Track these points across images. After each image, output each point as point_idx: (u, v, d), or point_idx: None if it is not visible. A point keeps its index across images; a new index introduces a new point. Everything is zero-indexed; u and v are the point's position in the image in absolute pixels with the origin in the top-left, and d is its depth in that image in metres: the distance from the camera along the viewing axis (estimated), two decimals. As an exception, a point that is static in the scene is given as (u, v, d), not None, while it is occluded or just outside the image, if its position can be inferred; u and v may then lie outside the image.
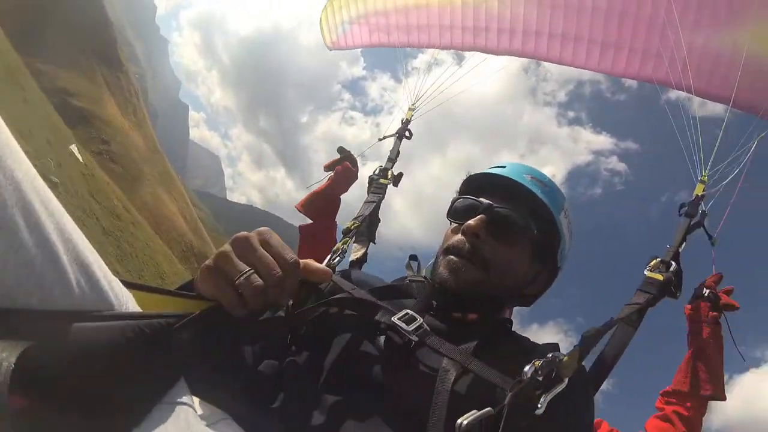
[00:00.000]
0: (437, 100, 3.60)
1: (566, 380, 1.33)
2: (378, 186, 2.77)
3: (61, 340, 0.82)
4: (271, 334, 1.47)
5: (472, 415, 1.19)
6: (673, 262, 2.14)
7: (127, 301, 1.00)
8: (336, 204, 2.93)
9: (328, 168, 2.94)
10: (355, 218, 2.41)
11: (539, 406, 1.26)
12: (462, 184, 1.97)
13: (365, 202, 2.61)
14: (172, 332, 1.02)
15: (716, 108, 3.55)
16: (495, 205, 1.75)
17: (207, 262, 1.22)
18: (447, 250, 1.77)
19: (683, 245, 2.34)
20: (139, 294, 1.10)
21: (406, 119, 3.43)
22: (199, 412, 1.06)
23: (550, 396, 1.28)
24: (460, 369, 1.38)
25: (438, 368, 1.39)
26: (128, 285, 1.07)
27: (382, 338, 1.50)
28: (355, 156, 3.02)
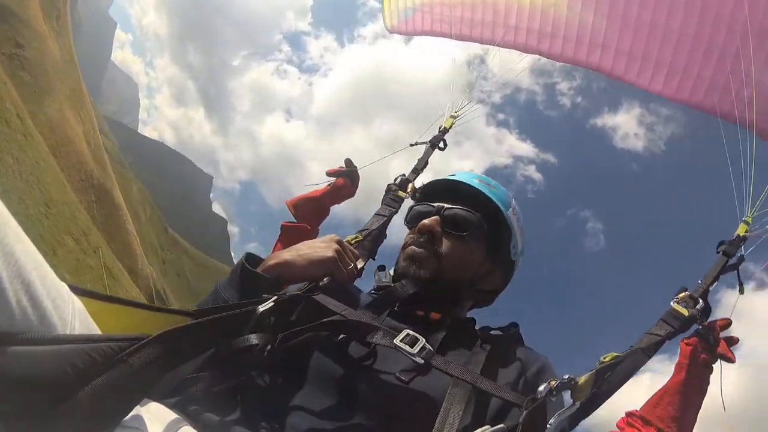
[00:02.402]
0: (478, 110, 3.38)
1: (578, 403, 1.40)
2: (394, 198, 2.56)
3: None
4: (252, 362, 1.43)
5: (485, 430, 1.25)
6: (701, 300, 2.11)
7: (73, 318, 0.96)
8: (325, 212, 2.85)
9: (330, 174, 2.82)
10: (360, 231, 2.31)
11: (549, 425, 1.31)
12: (417, 192, 2.25)
13: (376, 214, 2.48)
14: (123, 357, 0.96)
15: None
16: (447, 206, 1.94)
17: (327, 253, 1.73)
18: (404, 246, 1.96)
19: (715, 284, 2.26)
20: (92, 303, 1.09)
21: (445, 128, 3.14)
22: (156, 428, 1.06)
23: (562, 417, 1.35)
24: (470, 389, 1.40)
25: (445, 391, 1.40)
26: (80, 292, 1.05)
27: (383, 358, 1.54)
28: (359, 174, 2.88)
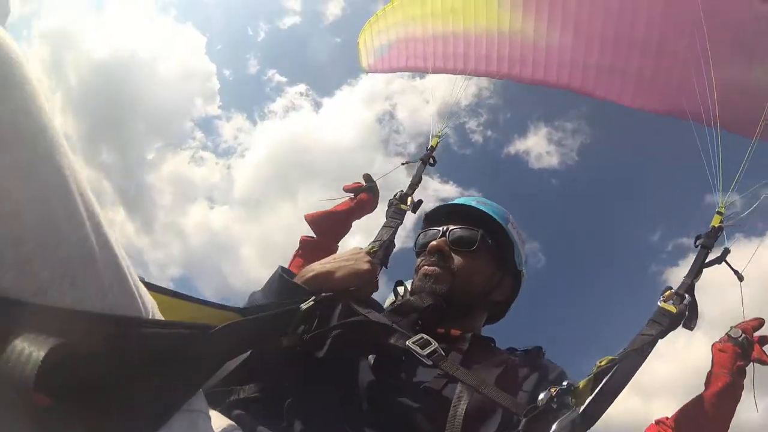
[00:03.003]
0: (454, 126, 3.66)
1: (579, 409, 1.44)
2: (397, 211, 2.77)
3: (89, 342, 0.80)
4: (288, 352, 1.51)
5: None
6: (687, 295, 2.14)
7: (153, 307, 1.00)
8: (346, 228, 2.92)
9: (348, 190, 2.92)
10: (374, 241, 2.48)
11: (552, 430, 1.34)
12: (423, 221, 2.33)
13: (384, 227, 2.65)
14: (195, 344, 1.03)
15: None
16: (451, 227, 2.10)
17: (363, 266, 1.85)
18: (418, 269, 2.08)
19: (698, 277, 2.29)
20: (160, 298, 1.14)
21: (432, 146, 3.45)
22: (214, 421, 1.09)
23: (563, 423, 1.36)
24: (474, 393, 1.45)
25: (452, 394, 1.47)
26: (150, 287, 1.08)
27: (397, 361, 1.63)
28: (378, 189, 3.00)
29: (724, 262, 2.39)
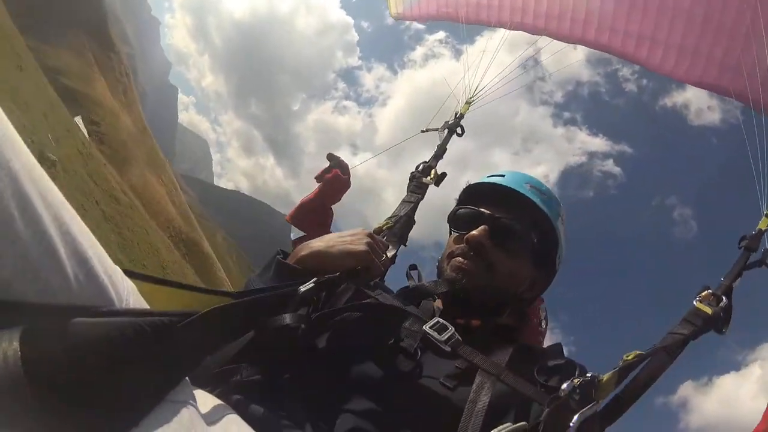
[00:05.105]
0: (495, 94, 3.41)
1: (601, 402, 1.35)
2: (418, 185, 2.58)
3: (57, 334, 0.79)
4: (286, 339, 1.41)
5: (506, 427, 1.23)
6: (725, 297, 1.98)
7: (128, 295, 0.98)
8: (328, 214, 2.74)
9: (318, 178, 2.73)
10: (389, 218, 2.31)
11: (572, 424, 1.25)
12: (462, 192, 2.04)
13: (403, 201, 2.47)
14: (174, 331, 0.97)
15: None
16: (497, 215, 1.82)
17: (360, 247, 1.68)
18: (452, 255, 1.84)
19: (738, 280, 2.15)
20: (142, 285, 1.12)
21: (461, 113, 3.18)
22: (204, 409, 1.06)
23: (584, 416, 1.28)
24: (495, 381, 1.40)
25: (471, 382, 1.41)
26: (131, 275, 1.07)
27: (411, 347, 1.51)
28: (346, 163, 2.80)
29: (766, 265, 2.28)
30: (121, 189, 30.86)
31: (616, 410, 1.52)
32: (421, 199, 2.51)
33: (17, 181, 0.77)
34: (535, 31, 3.80)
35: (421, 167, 2.68)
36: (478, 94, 3.35)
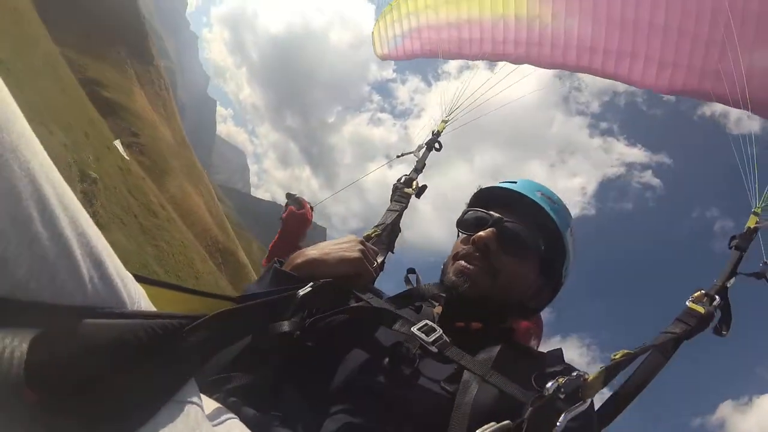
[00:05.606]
0: (471, 114, 3.59)
1: (588, 401, 1.31)
2: (401, 195, 2.75)
3: (70, 334, 0.80)
4: (285, 338, 1.44)
5: (490, 427, 1.21)
6: (718, 297, 2.02)
7: (139, 298, 0.99)
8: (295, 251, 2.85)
9: (281, 219, 2.87)
10: (377, 226, 2.43)
11: (558, 424, 1.24)
12: (472, 196, 2.03)
13: (388, 210, 2.62)
14: (183, 334, 1.01)
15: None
16: (505, 219, 1.80)
17: (354, 254, 1.77)
18: (456, 257, 1.83)
19: (732, 280, 2.17)
20: (150, 289, 1.12)
21: (438, 131, 3.41)
22: (207, 411, 1.06)
23: (570, 415, 1.26)
24: (480, 381, 1.40)
25: (458, 382, 1.41)
26: (140, 280, 1.07)
27: (399, 349, 1.51)
28: (303, 198, 2.91)
29: (765, 278, 2.25)
30: (159, 202, 31.81)
31: (612, 411, 1.57)
32: (405, 207, 2.67)
33: (36, 182, 0.78)
34: (516, 60, 3.88)
35: (403, 179, 2.88)
36: (453, 114, 3.56)
